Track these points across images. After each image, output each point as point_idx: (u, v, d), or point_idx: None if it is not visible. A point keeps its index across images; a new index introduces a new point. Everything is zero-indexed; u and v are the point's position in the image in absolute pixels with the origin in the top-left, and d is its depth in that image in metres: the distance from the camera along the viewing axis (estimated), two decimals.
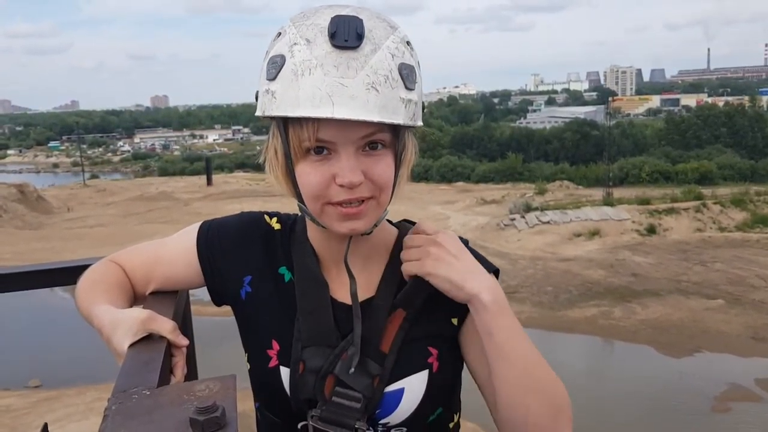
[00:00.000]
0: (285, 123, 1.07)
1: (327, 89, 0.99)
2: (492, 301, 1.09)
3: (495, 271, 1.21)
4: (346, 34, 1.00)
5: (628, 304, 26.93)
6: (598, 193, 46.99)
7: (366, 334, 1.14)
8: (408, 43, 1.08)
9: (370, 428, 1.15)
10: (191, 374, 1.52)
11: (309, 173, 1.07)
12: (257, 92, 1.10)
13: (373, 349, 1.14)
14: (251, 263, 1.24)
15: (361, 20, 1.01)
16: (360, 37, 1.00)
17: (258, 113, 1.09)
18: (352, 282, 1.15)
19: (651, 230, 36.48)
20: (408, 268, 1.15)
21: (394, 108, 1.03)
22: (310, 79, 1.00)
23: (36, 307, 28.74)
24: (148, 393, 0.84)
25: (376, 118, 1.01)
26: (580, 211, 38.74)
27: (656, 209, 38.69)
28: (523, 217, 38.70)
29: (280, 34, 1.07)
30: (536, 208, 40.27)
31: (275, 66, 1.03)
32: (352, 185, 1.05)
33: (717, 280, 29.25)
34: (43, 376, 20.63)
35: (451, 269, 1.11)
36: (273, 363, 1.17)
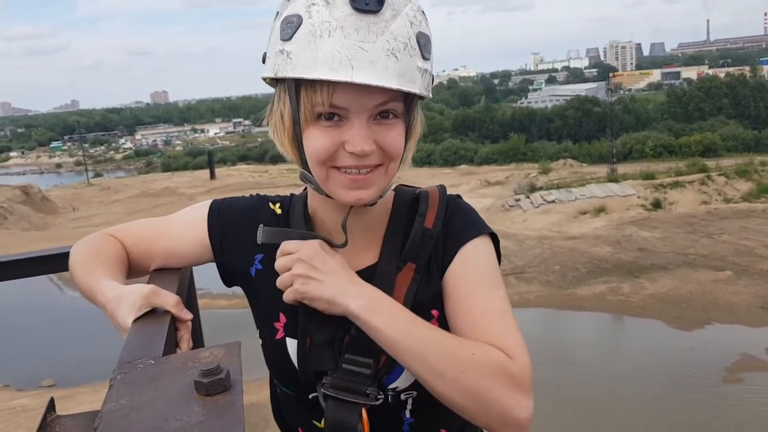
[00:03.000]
0: (297, 86, 1.04)
1: (347, 52, 0.98)
2: (362, 309, 1.06)
3: (491, 234, 1.21)
4: None
5: (637, 280, 26.92)
6: (602, 170, 46.89)
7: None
8: (423, 12, 1.07)
9: (381, 393, 1.14)
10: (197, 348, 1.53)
11: (318, 137, 1.05)
12: (265, 53, 1.09)
13: None
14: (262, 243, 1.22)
15: None
16: (381, 1, 0.99)
17: (267, 74, 1.07)
18: (344, 239, 1.14)
19: (656, 205, 36.42)
20: (287, 298, 1.13)
21: (412, 76, 1.03)
22: (329, 41, 0.98)
23: (47, 307, 28.91)
24: (153, 362, 0.85)
25: (394, 85, 1.00)
26: (585, 189, 38.69)
27: (661, 183, 38.61)
28: (528, 197, 38.68)
29: None
30: (541, 188, 40.26)
31: (291, 26, 1.01)
32: (363, 154, 1.04)
33: (724, 251, 29.21)
34: (56, 375, 20.78)
35: (322, 287, 1.09)
36: (279, 335, 1.18)
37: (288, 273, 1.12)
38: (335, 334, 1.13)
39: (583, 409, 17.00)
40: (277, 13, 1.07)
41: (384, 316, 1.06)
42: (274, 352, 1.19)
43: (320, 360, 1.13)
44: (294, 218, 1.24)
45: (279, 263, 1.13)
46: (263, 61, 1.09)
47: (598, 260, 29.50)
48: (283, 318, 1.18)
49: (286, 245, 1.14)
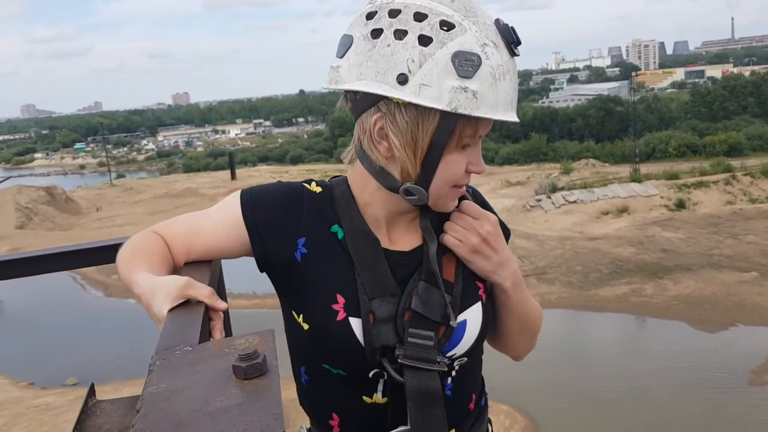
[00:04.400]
0: (455, 116, 1.10)
1: (512, 94, 1.14)
2: (511, 288, 1.30)
3: (508, 233, 1.38)
4: (517, 43, 1.12)
5: (660, 281, 26.68)
6: (624, 169, 46.52)
7: (428, 269, 1.23)
8: None
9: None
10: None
11: (458, 162, 1.17)
12: (403, 74, 1.08)
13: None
14: (303, 225, 1.25)
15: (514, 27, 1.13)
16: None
17: (443, 107, 1.08)
18: (431, 243, 1.25)
19: (680, 205, 36.06)
20: (448, 242, 1.27)
21: None
22: (505, 84, 1.11)
23: (70, 307, 29.29)
24: (190, 349, 0.86)
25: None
26: (607, 189, 38.43)
27: (685, 183, 38.23)
28: (549, 197, 38.48)
29: (451, 25, 1.08)
30: (562, 188, 40.03)
31: (471, 65, 1.07)
32: (483, 172, 1.21)
33: (750, 252, 28.85)
34: (79, 374, 21.04)
35: (485, 262, 1.27)
36: (341, 316, 1.20)
37: (462, 229, 1.26)
38: (396, 309, 1.20)
39: (606, 410, 16.89)
40: (401, 31, 1.09)
41: (523, 293, 1.33)
42: (334, 335, 1.20)
43: (386, 336, 1.19)
44: (338, 197, 1.27)
45: (459, 219, 1.27)
46: (401, 83, 1.09)
47: (620, 261, 29.28)
48: (341, 299, 1.20)
49: (472, 206, 1.29)
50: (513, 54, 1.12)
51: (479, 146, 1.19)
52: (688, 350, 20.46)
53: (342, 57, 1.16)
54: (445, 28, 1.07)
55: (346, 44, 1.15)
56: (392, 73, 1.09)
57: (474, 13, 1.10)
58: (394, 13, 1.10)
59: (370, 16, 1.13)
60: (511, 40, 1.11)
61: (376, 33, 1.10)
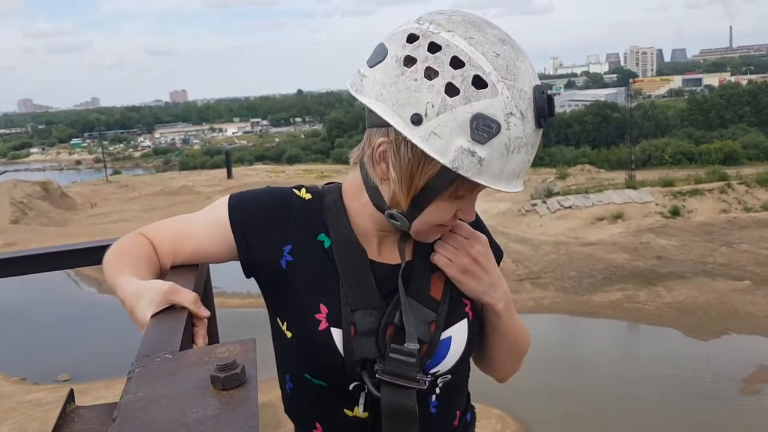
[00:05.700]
0: (456, 173, 1.07)
1: (523, 166, 1.09)
2: (503, 309, 1.29)
3: (501, 254, 1.38)
4: (547, 116, 1.06)
5: (653, 288, 26.75)
6: (620, 176, 46.65)
7: (416, 286, 1.23)
8: None
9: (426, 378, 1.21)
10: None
11: (446, 210, 1.15)
12: (418, 115, 1.04)
13: (426, 298, 1.23)
14: (290, 232, 1.24)
15: (552, 97, 1.07)
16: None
17: (446, 163, 1.05)
18: (403, 263, 1.24)
19: (675, 212, 36.15)
20: (438, 262, 1.25)
21: None
22: (517, 157, 1.06)
23: (63, 303, 29.21)
24: (170, 356, 0.86)
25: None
26: (602, 195, 38.49)
27: (680, 191, 38.33)
28: (545, 202, 38.53)
29: (484, 84, 1.02)
30: (558, 193, 40.07)
31: (488, 131, 1.02)
32: (471, 221, 1.22)
33: (743, 261, 28.94)
34: (71, 370, 20.99)
35: (476, 283, 1.25)
36: (323, 326, 1.19)
37: (453, 249, 1.25)
38: (378, 322, 1.18)
39: (597, 414, 16.91)
40: (432, 70, 1.03)
41: (513, 315, 1.32)
42: (315, 344, 1.19)
43: (366, 348, 1.17)
44: (329, 205, 1.26)
45: (449, 238, 1.26)
46: (415, 123, 1.04)
47: (614, 267, 29.34)
48: (324, 309, 1.19)
49: (462, 225, 1.26)
50: (539, 126, 1.06)
51: (475, 199, 1.17)
52: (680, 357, 20.50)
53: (372, 67, 1.10)
54: (477, 85, 1.01)
55: (379, 56, 1.10)
56: (409, 109, 1.04)
57: (513, 76, 1.03)
58: (433, 48, 1.04)
59: (410, 39, 1.06)
60: (542, 114, 1.05)
61: (410, 61, 1.05)
